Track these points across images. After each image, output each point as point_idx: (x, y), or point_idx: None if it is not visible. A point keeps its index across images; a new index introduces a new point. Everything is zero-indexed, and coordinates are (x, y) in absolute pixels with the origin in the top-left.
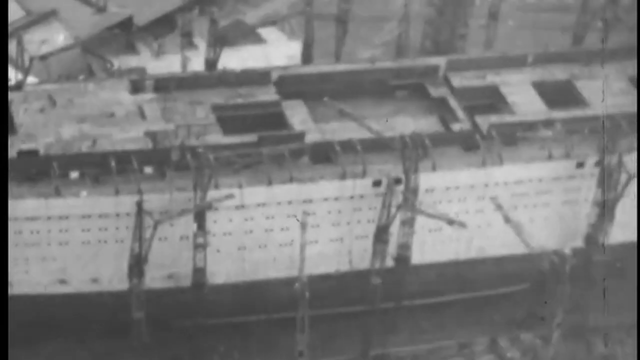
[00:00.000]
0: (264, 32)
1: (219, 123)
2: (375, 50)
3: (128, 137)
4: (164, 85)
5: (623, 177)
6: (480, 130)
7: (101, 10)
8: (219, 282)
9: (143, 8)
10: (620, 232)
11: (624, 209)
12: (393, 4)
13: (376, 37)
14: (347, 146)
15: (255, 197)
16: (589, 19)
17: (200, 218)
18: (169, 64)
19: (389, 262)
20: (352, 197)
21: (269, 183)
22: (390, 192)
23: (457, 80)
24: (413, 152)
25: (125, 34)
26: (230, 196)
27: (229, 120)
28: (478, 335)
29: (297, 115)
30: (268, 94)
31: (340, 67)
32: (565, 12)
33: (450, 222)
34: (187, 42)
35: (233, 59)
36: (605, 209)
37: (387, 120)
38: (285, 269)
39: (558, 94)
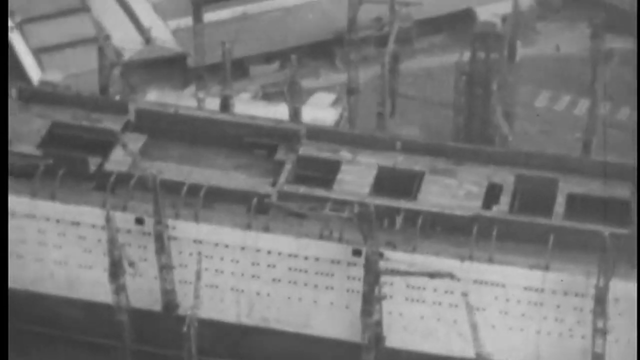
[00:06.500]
0: (319, 96)
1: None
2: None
3: None
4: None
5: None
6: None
7: (147, 41)
8: None
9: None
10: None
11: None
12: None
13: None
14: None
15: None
16: None
17: None
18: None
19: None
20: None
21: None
22: (110, 228)
23: (306, 149)
24: (157, 196)
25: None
26: None
27: (64, 137)
28: None
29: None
30: (115, 123)
31: (205, 114)
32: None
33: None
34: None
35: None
36: (363, 304)
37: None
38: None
39: (399, 183)
